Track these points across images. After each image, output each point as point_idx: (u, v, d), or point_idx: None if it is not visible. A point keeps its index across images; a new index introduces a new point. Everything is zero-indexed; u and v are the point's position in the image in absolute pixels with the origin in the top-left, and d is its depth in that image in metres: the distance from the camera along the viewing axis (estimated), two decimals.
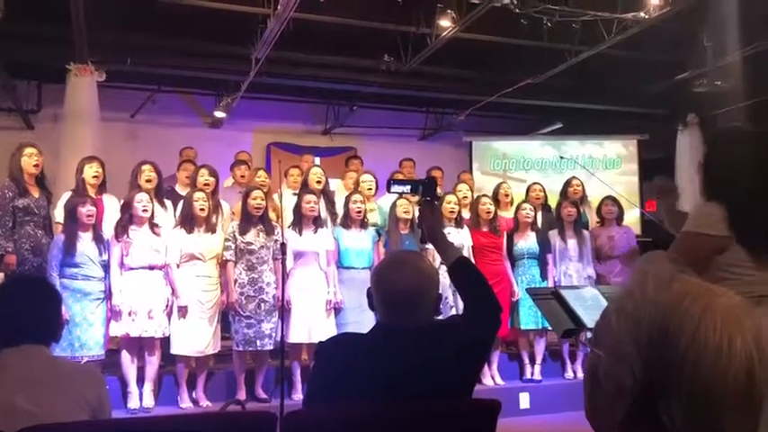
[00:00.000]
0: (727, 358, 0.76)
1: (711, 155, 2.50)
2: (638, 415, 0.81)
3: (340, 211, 5.90)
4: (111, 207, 5.42)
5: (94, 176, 5.38)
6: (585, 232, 6.30)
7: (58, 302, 2.07)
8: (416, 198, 5.24)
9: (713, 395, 0.76)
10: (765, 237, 2.29)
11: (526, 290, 4.35)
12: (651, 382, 0.79)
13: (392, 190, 2.40)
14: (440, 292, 2.01)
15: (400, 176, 5.84)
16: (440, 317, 2.24)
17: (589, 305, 3.32)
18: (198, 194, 5.25)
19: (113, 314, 4.93)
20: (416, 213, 5.87)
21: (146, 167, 5.52)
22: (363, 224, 5.70)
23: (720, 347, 0.77)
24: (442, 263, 4.13)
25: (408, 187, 2.42)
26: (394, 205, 5.76)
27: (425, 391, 1.82)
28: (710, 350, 0.77)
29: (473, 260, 4.84)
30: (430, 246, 2.27)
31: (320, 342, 2.06)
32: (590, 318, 3.20)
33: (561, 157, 8.10)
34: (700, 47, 7.04)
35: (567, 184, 6.82)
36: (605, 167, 9.18)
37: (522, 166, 9.32)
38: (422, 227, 2.27)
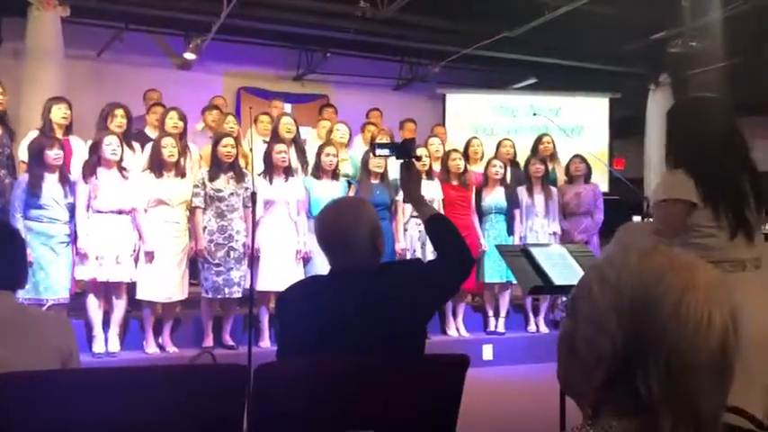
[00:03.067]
0: (705, 333, 0.78)
1: (676, 124, 2.57)
2: (614, 383, 0.83)
3: (311, 159, 5.86)
4: (78, 149, 5.29)
5: (63, 117, 5.23)
6: (553, 189, 6.37)
7: (22, 247, 2.02)
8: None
9: (690, 367, 0.78)
10: (727, 200, 2.38)
11: (495, 246, 4.40)
12: (630, 353, 0.81)
13: (377, 154, 2.49)
14: (375, 231, 2.04)
15: (383, 140, 5.79)
16: None
17: (557, 263, 3.37)
18: (166, 140, 5.15)
19: (79, 257, 4.86)
20: (389, 168, 5.88)
21: (118, 112, 5.37)
22: (335, 175, 5.67)
23: (701, 323, 0.78)
24: (412, 216, 4.15)
25: (388, 150, 2.62)
26: (366, 156, 5.73)
27: (377, 328, 1.89)
28: (691, 325, 0.79)
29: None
30: (401, 198, 2.41)
31: (281, 291, 2.16)
32: (557, 275, 3.26)
33: (534, 114, 8.09)
34: (678, 6, 7.02)
35: (539, 140, 6.85)
36: (577, 123, 9.21)
37: (495, 121, 9.31)
38: (402, 187, 2.38)
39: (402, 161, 2.34)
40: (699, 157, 2.43)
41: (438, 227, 2.25)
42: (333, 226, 2.02)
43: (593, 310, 0.85)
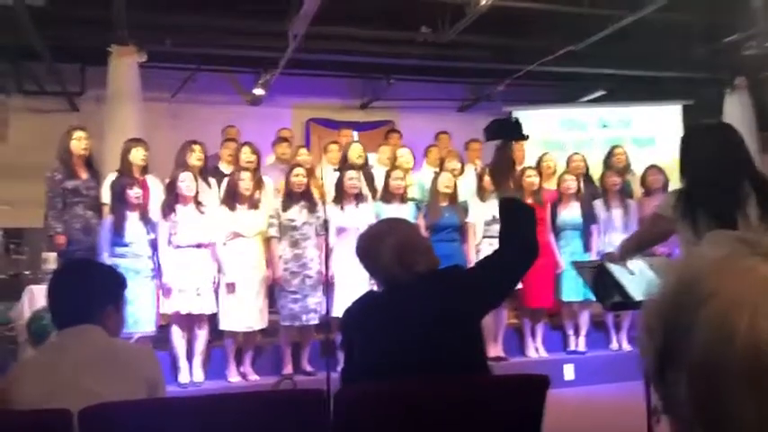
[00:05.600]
0: (728, 339, 0.75)
1: (682, 147, 2.82)
2: (659, 390, 0.83)
3: (379, 185, 5.92)
4: (155, 188, 5.53)
5: (141, 159, 5.48)
6: (631, 201, 6.20)
7: (117, 284, 2.08)
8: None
9: (715, 374, 0.76)
10: (707, 216, 2.57)
11: (571, 263, 4.32)
12: (665, 358, 0.81)
13: (487, 140, 2.23)
14: (401, 249, 2.08)
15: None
16: None
17: (636, 277, 3.27)
18: (243, 174, 5.32)
19: (164, 291, 5.05)
20: (457, 186, 5.88)
21: (196, 147, 5.61)
22: (403, 199, 5.71)
23: (722, 328, 0.76)
24: (485, 237, 3.97)
25: (497, 132, 2.21)
26: (435, 179, 5.75)
27: (419, 340, 1.92)
28: (713, 330, 0.76)
29: None
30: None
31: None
32: (637, 290, 3.16)
33: (604, 126, 7.93)
34: (748, 8, 6.77)
35: (611, 153, 6.71)
36: (651, 134, 8.95)
37: (564, 136, 9.15)
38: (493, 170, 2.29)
39: (499, 142, 2.16)
40: (689, 176, 2.70)
41: (510, 210, 2.13)
42: (360, 248, 2.19)
43: (644, 312, 0.86)
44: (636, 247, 3.09)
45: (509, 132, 2.16)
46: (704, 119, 9.17)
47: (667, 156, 8.13)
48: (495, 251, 2.15)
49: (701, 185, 2.64)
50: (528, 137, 2.22)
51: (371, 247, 2.14)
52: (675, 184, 7.44)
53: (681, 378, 0.79)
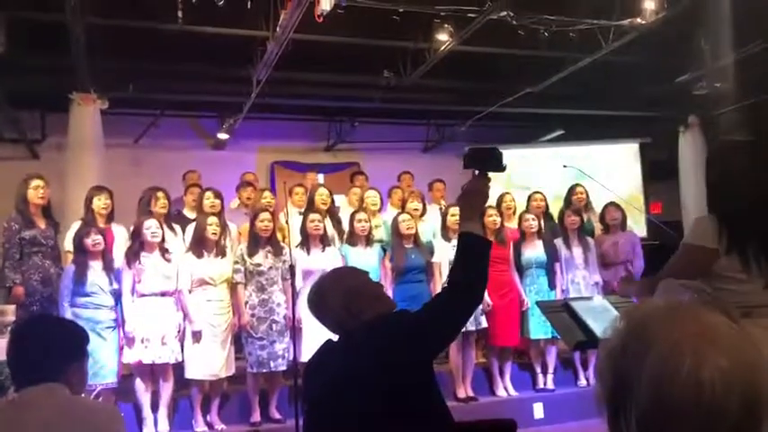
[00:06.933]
0: (681, 387, 0.78)
1: (711, 168, 2.57)
2: (612, 424, 0.85)
3: (346, 227, 5.93)
4: (120, 236, 5.47)
5: (103, 207, 5.42)
6: (590, 240, 6.31)
7: (79, 339, 2.04)
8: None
9: (665, 421, 0.78)
10: (756, 248, 2.34)
11: (536, 303, 4.36)
12: (616, 399, 0.84)
13: (466, 167, 2.14)
14: (348, 297, 2.12)
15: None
16: None
17: (599, 315, 3.32)
18: (210, 219, 5.30)
19: (126, 341, 4.95)
20: (421, 228, 5.92)
21: (160, 195, 5.57)
22: (369, 241, 5.73)
23: (675, 376, 0.79)
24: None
25: (477, 162, 2.14)
26: (396, 221, 5.79)
27: (365, 386, 1.92)
28: (666, 378, 0.79)
29: None
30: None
31: None
32: (600, 329, 3.21)
33: (564, 166, 8.09)
34: (697, 49, 7.05)
35: (571, 192, 6.83)
36: (608, 171, 9.16)
37: (525, 175, 9.31)
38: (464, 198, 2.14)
39: (478, 171, 2.10)
40: (726, 200, 2.41)
41: (468, 247, 2.04)
42: (309, 299, 2.25)
43: (597, 359, 0.90)
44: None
45: (489, 163, 2.10)
46: (661, 156, 9.48)
47: (626, 191, 8.34)
48: (441, 292, 2.13)
49: (745, 213, 2.35)
50: (506, 168, 2.14)
51: (319, 298, 2.19)
52: (636, 218, 7.66)
53: (632, 421, 0.81)
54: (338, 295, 2.13)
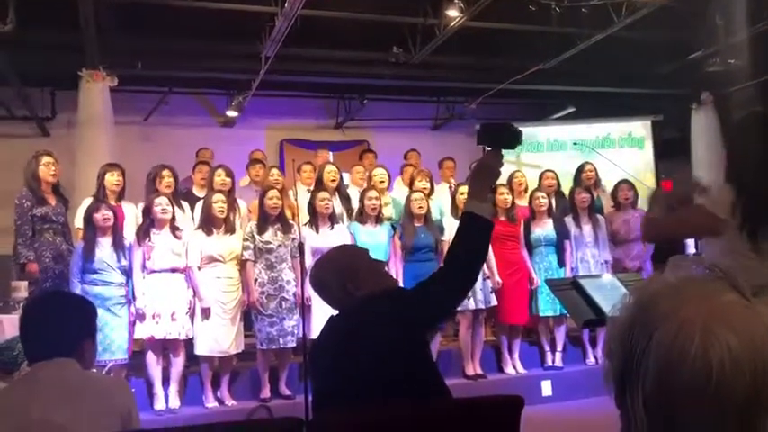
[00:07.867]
0: (690, 365, 0.77)
1: (736, 140, 2.48)
2: (618, 407, 0.85)
3: (355, 205, 5.93)
4: (130, 213, 5.49)
5: (115, 184, 5.44)
6: (600, 217, 6.29)
7: (90, 315, 2.07)
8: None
9: (671, 398, 0.78)
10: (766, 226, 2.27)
11: (545, 281, 4.36)
12: (623, 376, 0.83)
13: (479, 144, 2.13)
14: (344, 275, 2.12)
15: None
16: None
17: (608, 293, 3.32)
18: (216, 196, 5.30)
19: (137, 317, 4.99)
20: (430, 207, 5.91)
21: (165, 173, 5.57)
22: (379, 219, 5.73)
23: (684, 354, 0.78)
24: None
25: (491, 139, 2.11)
26: (408, 200, 5.78)
27: (365, 364, 1.92)
28: (674, 355, 0.78)
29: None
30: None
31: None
32: (609, 306, 3.20)
33: (575, 144, 8.04)
34: (710, 25, 6.95)
35: (581, 170, 6.80)
36: (621, 146, 9.10)
37: (536, 151, 9.26)
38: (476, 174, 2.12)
39: (490, 147, 2.05)
40: (746, 173, 2.33)
41: (468, 230, 2.01)
42: (311, 276, 2.28)
43: (606, 336, 0.89)
44: (670, 236, 2.63)
45: (501, 139, 2.06)
46: (673, 134, 9.39)
47: (638, 169, 8.29)
48: (438, 270, 2.08)
49: (758, 186, 2.28)
50: (521, 143, 2.09)
51: (319, 276, 2.21)
52: (644, 198, 7.61)
53: (638, 399, 0.81)
54: (335, 273, 2.15)
